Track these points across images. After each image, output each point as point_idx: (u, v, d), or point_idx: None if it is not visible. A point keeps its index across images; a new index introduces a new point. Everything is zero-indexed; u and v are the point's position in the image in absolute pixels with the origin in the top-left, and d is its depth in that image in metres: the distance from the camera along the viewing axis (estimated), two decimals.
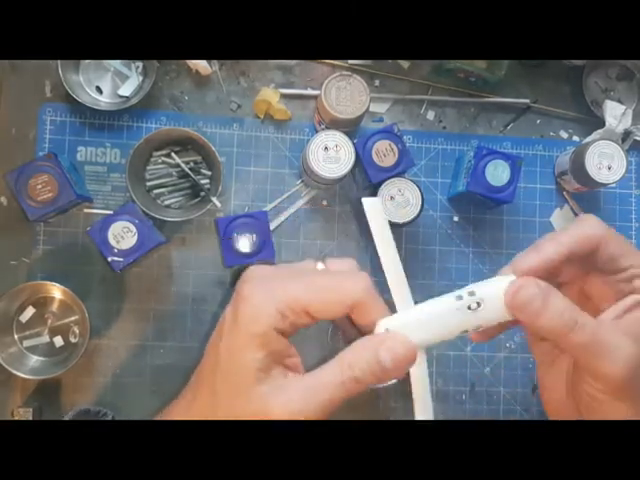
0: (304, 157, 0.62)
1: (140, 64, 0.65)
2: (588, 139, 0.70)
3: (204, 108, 0.67)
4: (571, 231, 0.39)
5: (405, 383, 0.37)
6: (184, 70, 0.67)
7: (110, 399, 0.63)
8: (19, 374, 0.58)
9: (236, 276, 0.64)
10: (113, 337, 0.64)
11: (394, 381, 0.43)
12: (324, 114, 0.63)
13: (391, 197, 0.62)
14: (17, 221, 0.62)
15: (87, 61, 0.66)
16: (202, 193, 0.65)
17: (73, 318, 0.63)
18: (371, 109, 0.66)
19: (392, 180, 0.62)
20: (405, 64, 0.70)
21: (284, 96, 0.68)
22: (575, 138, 0.72)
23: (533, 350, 0.44)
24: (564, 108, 0.72)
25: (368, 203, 0.38)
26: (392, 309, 0.37)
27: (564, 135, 0.72)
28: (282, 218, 0.67)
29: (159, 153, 0.64)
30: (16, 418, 0.59)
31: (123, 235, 0.57)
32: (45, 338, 0.63)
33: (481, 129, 0.71)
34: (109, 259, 0.57)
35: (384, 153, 0.62)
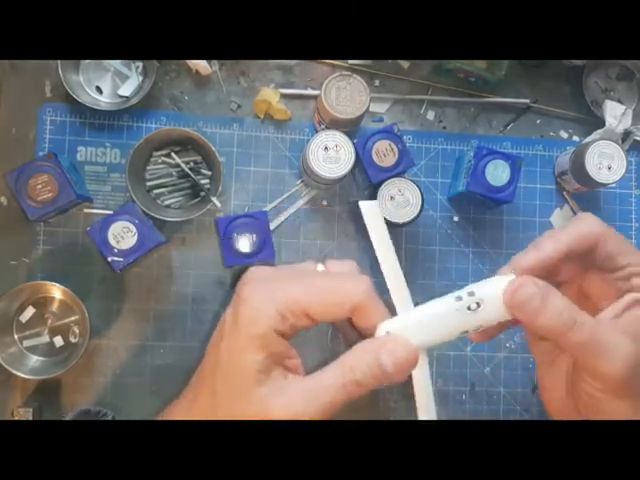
0: (304, 157, 0.62)
1: (140, 64, 0.65)
2: (588, 139, 0.70)
3: (204, 108, 0.67)
4: (570, 229, 0.40)
5: (406, 384, 0.37)
6: (184, 70, 0.67)
7: (110, 399, 0.63)
8: (19, 374, 0.58)
9: (236, 277, 0.65)
10: (113, 337, 0.64)
11: None
12: (324, 114, 0.63)
13: (391, 197, 0.62)
14: (17, 221, 0.62)
15: (87, 61, 0.66)
16: (202, 193, 0.65)
17: (73, 318, 0.63)
18: (371, 109, 0.66)
19: (392, 180, 0.62)
20: (405, 64, 0.70)
21: (284, 96, 0.68)
22: (575, 138, 0.72)
23: (533, 350, 0.44)
24: (564, 108, 0.72)
25: (365, 206, 0.38)
26: (392, 310, 0.38)
27: (564, 135, 0.72)
28: (282, 218, 0.67)
29: (159, 153, 0.64)
30: (16, 418, 0.59)
31: (123, 235, 0.57)
32: (45, 338, 0.63)
33: (481, 129, 0.71)
34: (109, 259, 0.57)
35: (384, 153, 0.62)
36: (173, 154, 0.64)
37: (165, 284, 0.65)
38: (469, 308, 0.36)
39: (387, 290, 0.37)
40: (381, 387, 0.35)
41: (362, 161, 0.61)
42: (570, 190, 0.70)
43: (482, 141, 0.70)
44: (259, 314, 0.36)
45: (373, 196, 0.62)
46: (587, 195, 0.70)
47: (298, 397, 0.35)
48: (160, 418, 0.41)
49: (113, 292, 0.64)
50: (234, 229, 0.60)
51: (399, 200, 0.62)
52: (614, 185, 0.66)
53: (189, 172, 0.64)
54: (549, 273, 0.40)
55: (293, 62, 0.68)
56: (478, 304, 0.36)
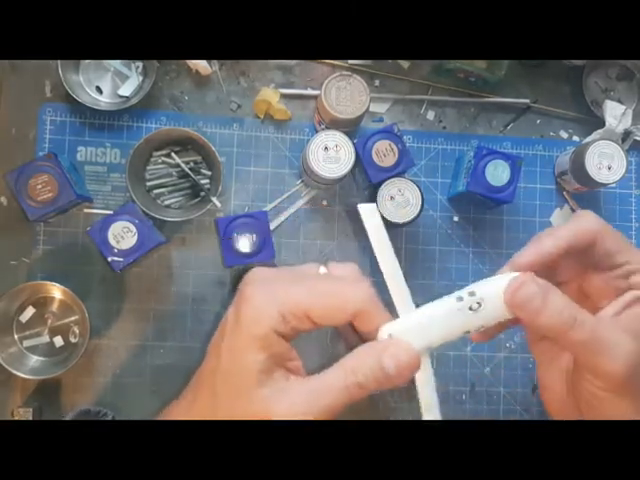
0: (304, 157, 0.62)
1: (140, 64, 0.65)
2: (588, 139, 0.70)
3: (204, 108, 0.67)
4: (569, 226, 0.40)
5: (407, 385, 0.37)
6: (184, 70, 0.67)
7: (110, 399, 0.63)
8: (19, 374, 0.58)
9: (237, 278, 0.64)
10: (113, 337, 0.64)
11: None
12: (324, 114, 0.63)
13: (391, 197, 0.62)
14: (17, 221, 0.62)
15: (87, 61, 0.66)
16: (202, 193, 0.65)
17: (73, 318, 0.63)
18: (371, 109, 0.66)
19: (392, 180, 0.62)
20: (405, 64, 0.70)
21: (284, 96, 0.68)
22: (575, 138, 0.72)
23: (533, 350, 0.44)
24: (564, 108, 0.72)
25: (364, 209, 0.38)
26: (391, 309, 0.37)
27: (564, 135, 0.72)
28: (282, 218, 0.67)
29: (159, 153, 0.64)
30: (16, 418, 0.59)
31: (123, 235, 0.57)
32: (45, 338, 0.63)
33: (481, 129, 0.71)
34: (109, 259, 0.57)
35: (384, 153, 0.62)
36: (173, 154, 0.64)
37: (165, 284, 0.65)
38: (470, 308, 0.36)
39: (387, 289, 0.37)
40: (382, 390, 0.35)
41: (362, 161, 0.61)
42: (570, 190, 0.70)
43: (482, 141, 0.70)
44: (260, 314, 0.36)
45: (373, 196, 0.62)
46: (587, 195, 0.70)
47: (300, 399, 0.35)
48: (160, 418, 0.41)
49: (113, 292, 0.64)
50: (234, 229, 0.60)
51: (399, 200, 0.62)
52: (614, 185, 0.66)
53: (189, 172, 0.64)
54: (549, 270, 0.40)
55: (293, 62, 0.68)
56: (479, 304, 0.36)
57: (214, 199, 0.63)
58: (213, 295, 0.65)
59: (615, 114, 0.69)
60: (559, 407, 0.43)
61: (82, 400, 0.62)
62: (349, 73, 0.62)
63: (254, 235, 0.60)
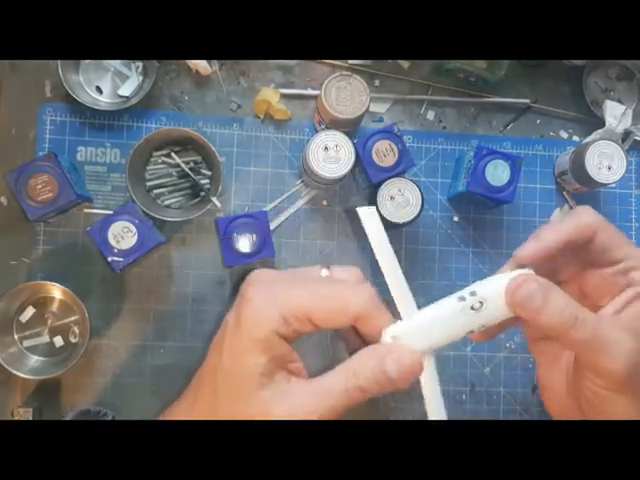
0: (304, 157, 0.62)
1: (140, 64, 0.65)
2: (588, 139, 0.70)
3: (204, 108, 0.67)
4: (568, 220, 0.40)
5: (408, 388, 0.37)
6: (184, 70, 0.67)
7: (110, 399, 0.63)
8: (19, 374, 0.58)
9: (239, 280, 0.64)
10: (113, 337, 0.64)
11: None
12: (324, 114, 0.63)
13: (391, 197, 0.62)
14: (17, 221, 0.62)
15: (87, 61, 0.66)
16: (202, 193, 0.65)
17: (73, 318, 0.63)
18: (371, 109, 0.66)
19: (392, 180, 0.62)
20: (405, 64, 0.70)
21: (284, 96, 0.68)
22: (575, 138, 0.72)
23: (533, 350, 0.44)
24: (564, 108, 0.72)
25: (363, 212, 0.37)
26: (392, 309, 0.37)
27: (564, 135, 0.72)
28: (282, 218, 0.67)
29: (159, 153, 0.64)
30: (16, 418, 0.59)
31: (123, 235, 0.57)
32: (45, 338, 0.63)
33: (481, 129, 0.71)
34: (109, 259, 0.57)
35: (384, 153, 0.62)
36: (173, 154, 0.64)
37: (165, 284, 0.65)
38: (472, 308, 0.36)
39: (388, 289, 0.37)
40: (384, 393, 0.35)
41: (362, 161, 0.61)
42: (570, 190, 0.70)
43: (482, 141, 0.70)
44: (262, 316, 0.36)
45: (373, 196, 0.62)
46: (587, 195, 0.70)
47: (301, 401, 0.35)
48: (161, 418, 0.41)
49: (113, 292, 0.64)
50: (234, 229, 0.60)
51: (399, 200, 0.62)
52: (614, 185, 0.66)
53: (189, 172, 0.64)
54: (549, 267, 0.40)
55: (293, 62, 0.68)
56: (481, 303, 0.36)
57: (214, 199, 0.63)
58: (213, 295, 0.65)
59: (615, 114, 0.69)
60: (559, 407, 0.43)
61: (82, 400, 0.62)
62: (349, 73, 0.62)
63: (254, 235, 0.60)
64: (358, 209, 0.38)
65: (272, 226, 0.65)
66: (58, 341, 0.63)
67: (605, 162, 0.64)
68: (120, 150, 0.65)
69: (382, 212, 0.61)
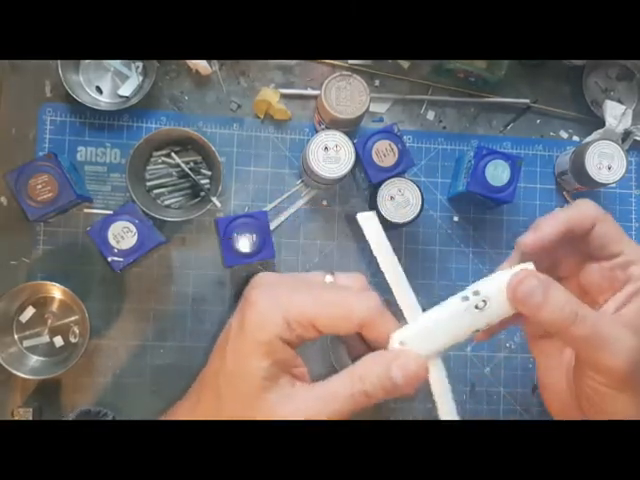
0: (304, 157, 0.62)
1: (140, 64, 0.65)
2: (588, 139, 0.70)
3: (204, 108, 0.67)
4: (568, 210, 0.41)
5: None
6: (184, 70, 0.67)
7: (110, 399, 0.63)
8: (19, 374, 0.58)
9: (243, 284, 0.64)
10: (113, 337, 0.64)
11: None
12: (324, 114, 0.63)
13: (391, 197, 0.62)
14: (17, 221, 0.62)
15: (87, 61, 0.66)
16: (202, 193, 0.65)
17: (73, 318, 0.63)
18: (371, 109, 0.66)
19: (392, 180, 0.62)
20: (405, 64, 0.70)
21: (284, 96, 0.68)
22: (575, 138, 0.72)
23: (532, 349, 0.44)
24: (564, 108, 0.72)
25: (363, 218, 0.37)
26: (392, 309, 0.37)
27: (564, 135, 0.72)
28: (282, 218, 0.67)
29: (159, 153, 0.64)
30: (16, 418, 0.59)
31: (123, 235, 0.57)
32: (45, 338, 0.63)
33: (481, 129, 0.71)
34: (109, 259, 0.57)
35: (384, 153, 0.62)
36: (173, 154, 0.64)
37: (165, 284, 0.65)
38: (476, 307, 0.36)
39: (388, 289, 0.37)
40: (388, 399, 0.35)
41: (362, 161, 0.61)
42: (570, 190, 0.70)
43: (482, 141, 0.70)
44: (265, 320, 0.35)
45: (373, 196, 0.62)
46: (587, 195, 0.70)
47: (305, 405, 0.35)
48: (163, 419, 0.41)
49: (113, 292, 0.64)
50: (234, 229, 0.60)
51: (399, 200, 0.62)
52: (614, 185, 0.66)
53: (189, 172, 0.64)
54: (549, 257, 0.40)
55: (293, 62, 0.68)
56: (485, 302, 0.36)
57: (214, 199, 0.63)
58: (213, 295, 0.65)
59: (615, 114, 0.69)
60: (560, 406, 0.43)
61: (82, 400, 0.62)
62: (349, 73, 0.62)
63: (254, 235, 0.60)
64: (358, 215, 0.37)
65: (272, 226, 0.65)
66: (58, 341, 0.63)
67: (605, 162, 0.64)
68: (120, 150, 0.65)
69: (382, 212, 0.61)
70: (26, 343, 0.62)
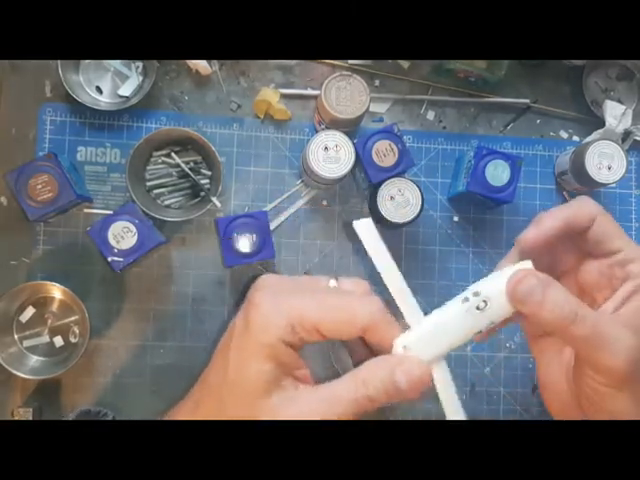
0: (304, 157, 0.62)
1: (140, 64, 0.65)
2: (588, 139, 0.70)
3: (204, 108, 0.67)
4: (567, 206, 0.42)
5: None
6: (184, 70, 0.67)
7: (110, 399, 0.63)
8: (19, 374, 0.58)
9: (247, 287, 0.64)
10: (113, 337, 0.64)
11: None
12: (324, 114, 0.63)
13: (391, 197, 0.62)
14: (17, 221, 0.62)
15: (87, 61, 0.66)
16: (202, 193, 0.65)
17: (73, 318, 0.63)
18: (371, 109, 0.66)
19: (392, 180, 0.62)
20: (405, 64, 0.70)
21: (284, 96, 0.68)
22: (575, 138, 0.72)
23: (532, 348, 0.45)
24: (564, 108, 0.72)
25: (360, 225, 0.37)
26: (392, 309, 0.37)
27: (564, 135, 0.72)
28: (282, 218, 0.67)
29: (159, 153, 0.64)
30: (16, 418, 0.59)
31: (123, 235, 0.57)
32: (45, 338, 0.63)
33: (481, 129, 0.71)
34: (109, 259, 0.57)
35: (384, 153, 0.62)
36: (173, 154, 0.64)
37: (165, 284, 0.65)
38: (477, 308, 0.36)
39: (388, 289, 0.37)
40: (392, 404, 0.35)
41: (362, 161, 0.61)
42: (570, 190, 0.70)
43: (482, 141, 0.70)
44: (268, 322, 0.35)
45: (373, 196, 0.62)
46: (587, 195, 0.70)
47: (309, 407, 0.35)
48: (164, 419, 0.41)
49: (113, 292, 0.64)
50: (234, 229, 0.60)
51: (399, 200, 0.62)
52: (614, 185, 0.66)
53: (189, 172, 0.64)
54: (548, 254, 0.41)
55: (293, 62, 0.68)
56: (485, 302, 0.36)
57: (214, 199, 0.63)
58: (213, 295, 0.65)
59: (615, 114, 0.69)
60: (560, 406, 0.43)
61: (82, 400, 0.62)
62: (349, 73, 0.62)
63: (254, 235, 0.60)
64: (354, 223, 0.37)
65: (272, 226, 0.65)
66: (58, 341, 0.63)
67: (605, 162, 0.64)
68: (120, 150, 0.65)
69: (382, 212, 0.61)
70: (26, 343, 0.62)
